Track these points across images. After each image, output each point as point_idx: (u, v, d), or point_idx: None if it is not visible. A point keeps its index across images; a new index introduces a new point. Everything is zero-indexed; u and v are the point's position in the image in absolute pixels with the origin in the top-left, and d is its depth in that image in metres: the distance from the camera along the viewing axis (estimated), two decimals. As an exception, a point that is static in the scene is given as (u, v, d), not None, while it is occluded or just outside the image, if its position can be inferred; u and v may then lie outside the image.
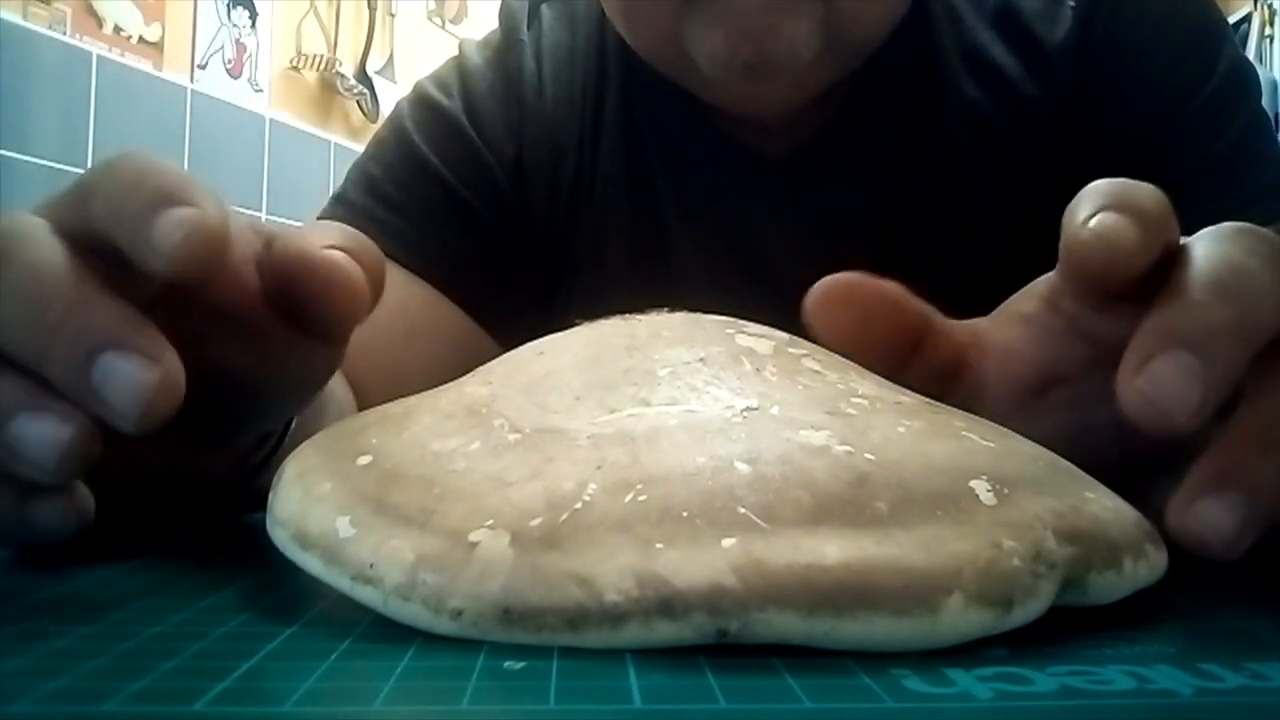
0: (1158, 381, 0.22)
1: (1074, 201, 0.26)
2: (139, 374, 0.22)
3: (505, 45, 0.60)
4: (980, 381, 0.31)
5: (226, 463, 0.32)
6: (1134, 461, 0.29)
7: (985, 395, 0.31)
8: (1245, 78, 0.54)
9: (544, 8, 0.61)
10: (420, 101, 0.60)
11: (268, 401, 0.31)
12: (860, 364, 0.30)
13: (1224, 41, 0.54)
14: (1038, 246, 0.33)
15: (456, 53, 0.63)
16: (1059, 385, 0.30)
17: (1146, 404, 0.22)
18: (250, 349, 0.29)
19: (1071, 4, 0.54)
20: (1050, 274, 0.30)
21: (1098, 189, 0.26)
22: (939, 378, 0.31)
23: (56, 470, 0.22)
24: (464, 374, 0.26)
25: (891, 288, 0.31)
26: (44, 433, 0.22)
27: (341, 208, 0.58)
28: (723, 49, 0.46)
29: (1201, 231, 0.25)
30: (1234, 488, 0.21)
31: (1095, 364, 0.29)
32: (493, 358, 0.27)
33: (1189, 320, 0.23)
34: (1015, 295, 0.32)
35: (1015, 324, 0.31)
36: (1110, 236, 0.24)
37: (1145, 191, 0.25)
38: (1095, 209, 0.25)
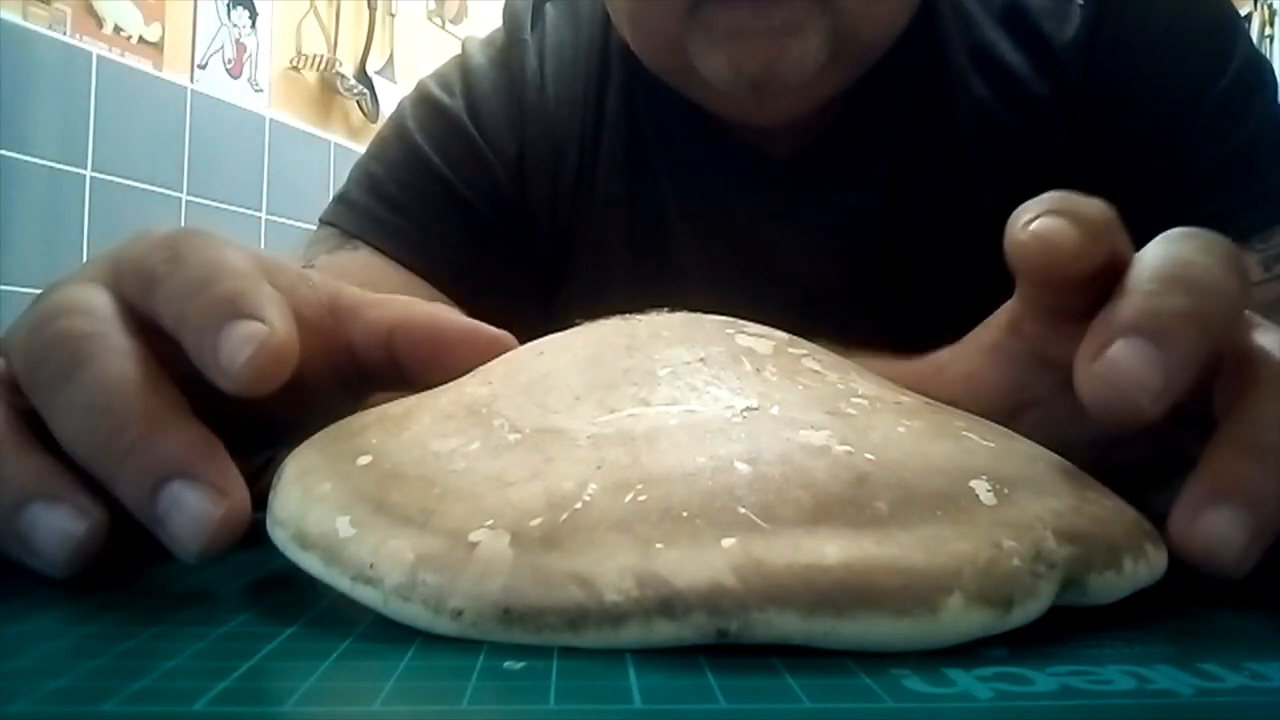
0: (1116, 366, 0.22)
1: (1016, 211, 0.26)
2: (206, 508, 0.21)
3: (508, 44, 0.60)
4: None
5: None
6: (1115, 478, 0.29)
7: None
8: (1260, 74, 0.53)
9: (548, 7, 0.61)
10: (423, 100, 0.60)
11: (280, 435, 0.31)
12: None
13: (1237, 37, 0.54)
14: None
15: (459, 51, 0.63)
16: (1029, 409, 0.30)
17: (1107, 389, 0.22)
18: (291, 398, 0.29)
19: (1080, 2, 0.53)
20: (1009, 302, 0.30)
21: (1040, 199, 0.25)
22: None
23: (63, 567, 0.22)
24: (466, 373, 0.26)
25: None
26: (55, 526, 0.22)
27: (344, 207, 0.58)
28: (727, 68, 0.46)
29: (1153, 240, 0.25)
30: (1234, 500, 0.21)
31: (1062, 387, 0.28)
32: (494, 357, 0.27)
33: (1143, 309, 0.22)
34: (975, 329, 0.32)
35: (978, 355, 0.31)
36: (1049, 237, 0.24)
37: (1088, 201, 0.25)
38: (1035, 215, 0.25)
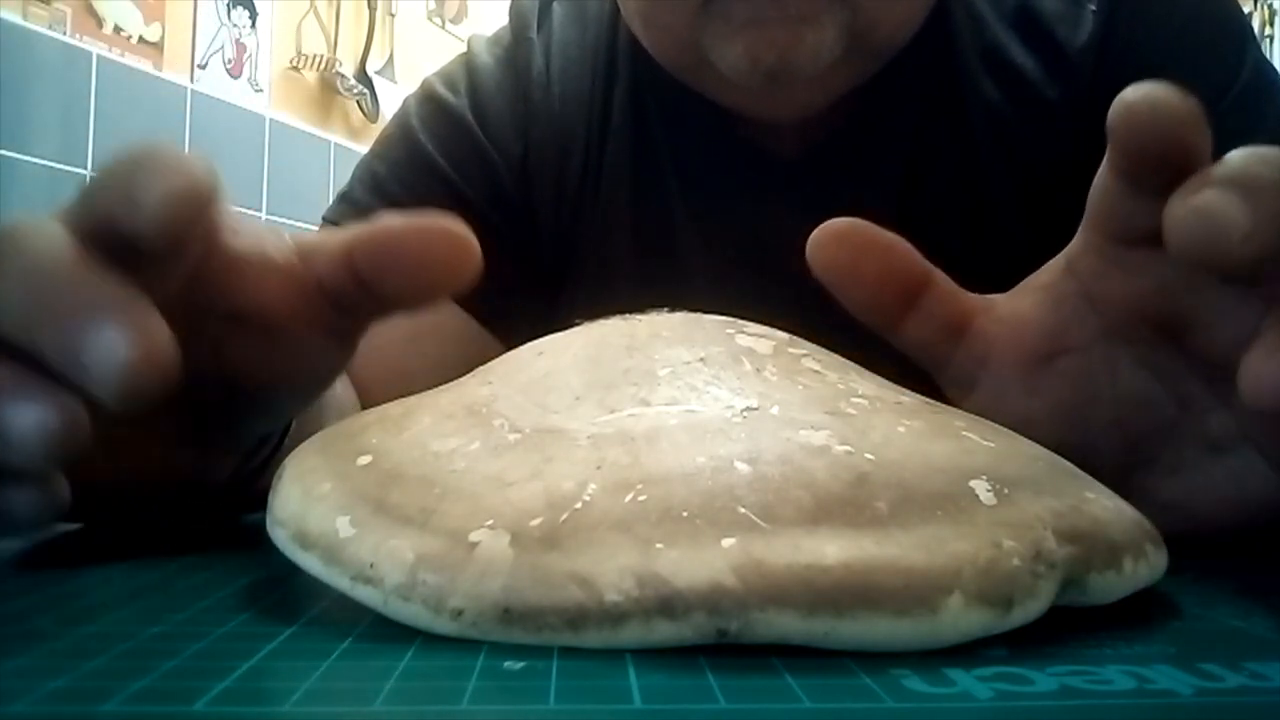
0: (1211, 204, 0.22)
1: (1123, 92, 0.26)
2: (124, 346, 0.21)
3: (514, 43, 0.60)
4: (987, 345, 0.31)
5: (228, 466, 0.32)
6: (1131, 444, 0.29)
7: (990, 359, 0.31)
8: (1269, 82, 0.53)
9: (555, 6, 0.61)
10: (427, 99, 0.60)
11: (274, 400, 0.31)
12: (855, 305, 0.31)
13: (1247, 45, 0.54)
14: (1055, 249, 0.33)
15: (465, 50, 0.62)
16: (1066, 355, 0.30)
17: (1200, 222, 0.22)
18: (265, 349, 0.29)
19: (1093, 7, 0.53)
20: (1070, 244, 0.31)
21: (1145, 84, 0.26)
22: (941, 336, 0.32)
23: (43, 456, 0.22)
24: (467, 374, 0.26)
25: (889, 235, 0.31)
26: (29, 418, 0.22)
27: (347, 206, 0.58)
28: (744, 58, 0.46)
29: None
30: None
31: (1104, 334, 0.30)
32: (495, 358, 0.27)
33: (1238, 167, 0.23)
34: (1032, 275, 0.33)
35: (1030, 293, 0.32)
36: (1157, 101, 0.25)
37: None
38: (1144, 91, 0.26)
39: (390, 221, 0.29)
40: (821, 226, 0.31)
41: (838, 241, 0.31)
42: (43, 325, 0.22)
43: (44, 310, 0.22)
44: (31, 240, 0.23)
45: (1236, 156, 0.24)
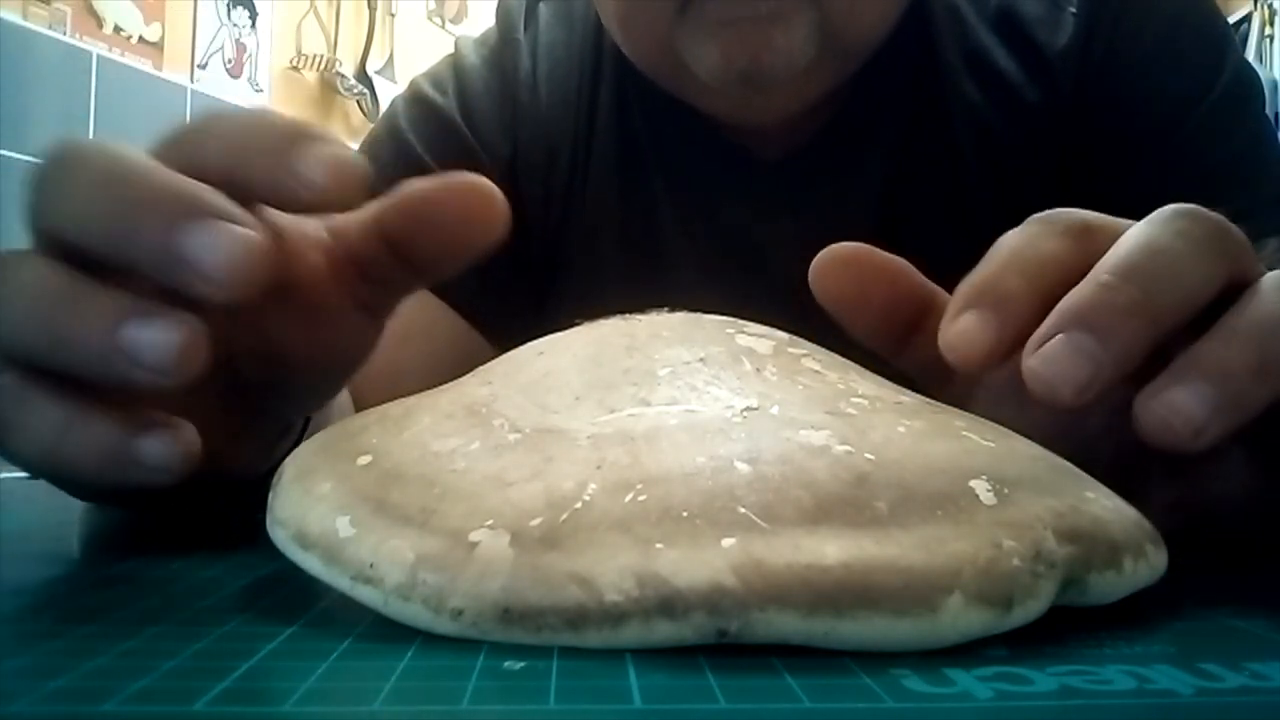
0: (1049, 360, 0.23)
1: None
2: (233, 235, 0.21)
3: (501, 44, 0.60)
4: None
5: (253, 455, 0.32)
6: (1125, 452, 0.29)
7: (985, 377, 0.31)
8: (1249, 87, 0.54)
9: (541, 6, 0.61)
10: (415, 99, 0.60)
11: (311, 381, 0.32)
12: (861, 332, 0.31)
13: (1228, 49, 0.54)
14: None
15: (453, 50, 0.63)
16: (983, 389, 0.31)
17: (1035, 380, 0.23)
18: (304, 326, 0.30)
19: (1073, 10, 0.53)
20: None
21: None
22: (942, 358, 0.32)
23: (175, 371, 0.22)
24: (458, 375, 0.26)
25: (894, 260, 0.31)
26: (156, 336, 0.22)
27: None
28: (718, 59, 0.46)
29: (1148, 216, 0.26)
30: (1202, 376, 0.22)
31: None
32: (485, 358, 0.27)
33: (1090, 300, 0.23)
34: None
35: None
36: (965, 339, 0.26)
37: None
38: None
39: (416, 184, 0.29)
40: (825, 252, 0.31)
41: (842, 268, 0.31)
42: (138, 226, 0.22)
43: (136, 210, 0.22)
44: (105, 152, 0.23)
45: (1106, 268, 0.24)
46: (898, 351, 0.32)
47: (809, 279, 0.31)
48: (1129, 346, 0.23)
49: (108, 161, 0.23)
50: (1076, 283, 0.25)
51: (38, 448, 0.24)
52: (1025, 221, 0.28)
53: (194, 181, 0.23)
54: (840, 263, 0.31)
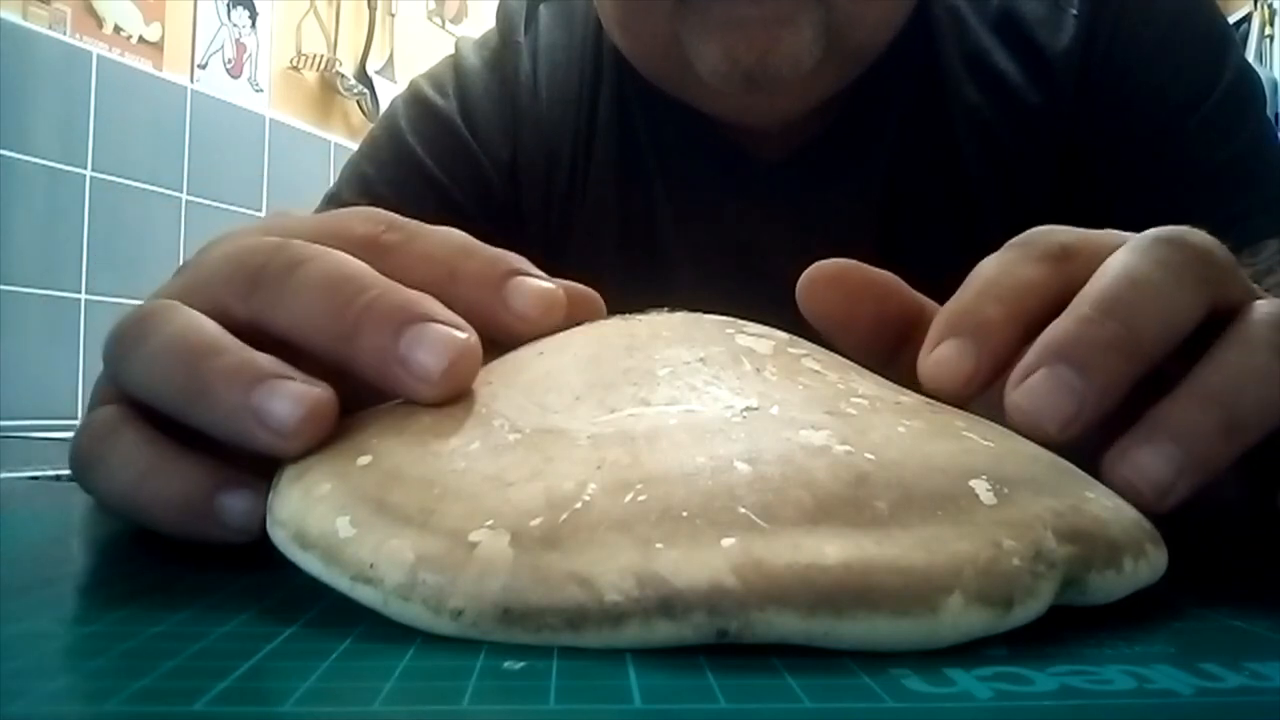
0: (1033, 395, 0.23)
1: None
2: (451, 334, 0.22)
3: (502, 46, 0.60)
4: None
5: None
6: None
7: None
8: (1250, 89, 0.53)
9: (542, 8, 0.61)
10: (415, 101, 0.60)
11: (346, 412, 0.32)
12: (849, 349, 0.30)
13: (1229, 51, 0.54)
14: None
15: (453, 51, 0.62)
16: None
17: (1019, 414, 0.23)
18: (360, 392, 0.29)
19: (1074, 12, 0.53)
20: None
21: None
22: None
23: (295, 433, 0.22)
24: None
25: (882, 276, 0.31)
26: (288, 393, 0.22)
27: (334, 206, 0.58)
28: (722, 59, 0.46)
29: (1129, 242, 0.26)
30: (1169, 437, 0.22)
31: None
32: (487, 358, 0.27)
33: (1071, 335, 0.23)
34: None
35: None
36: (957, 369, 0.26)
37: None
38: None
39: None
40: (811, 269, 0.30)
41: (830, 286, 0.30)
42: (363, 325, 0.22)
43: (363, 307, 0.22)
44: (320, 254, 0.24)
45: (1087, 302, 0.24)
46: (887, 364, 0.32)
47: (796, 295, 0.30)
48: (1112, 381, 0.23)
49: (334, 262, 0.24)
50: (1056, 308, 0.25)
51: (119, 489, 0.24)
52: (1003, 246, 0.28)
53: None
54: (826, 281, 0.30)
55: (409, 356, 0.22)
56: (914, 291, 0.31)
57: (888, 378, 0.31)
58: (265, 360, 0.23)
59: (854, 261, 0.31)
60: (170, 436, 0.24)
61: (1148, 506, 0.22)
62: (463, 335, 0.22)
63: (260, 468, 0.23)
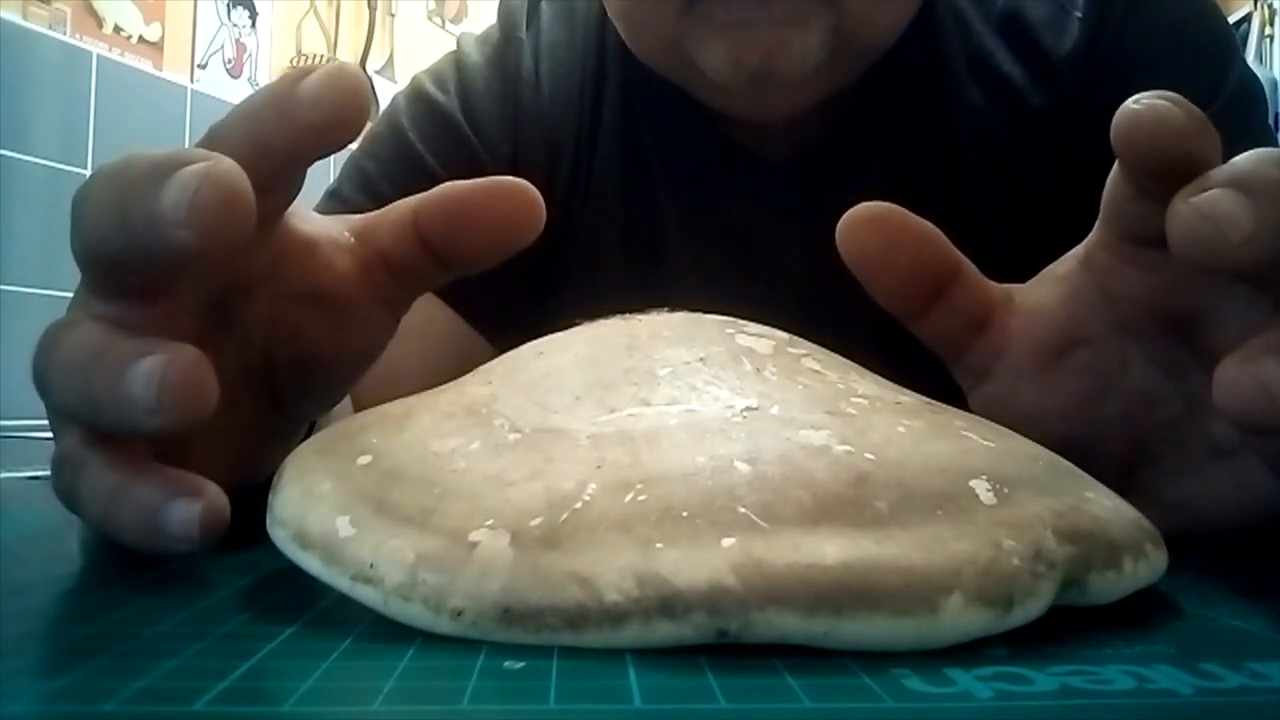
0: (1211, 205, 0.22)
1: (1128, 101, 0.27)
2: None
3: (503, 43, 0.60)
4: (1004, 338, 0.31)
5: (280, 458, 0.33)
6: (1138, 441, 0.29)
7: (1006, 352, 0.31)
8: (1253, 94, 0.53)
9: (543, 5, 0.61)
10: (417, 97, 0.60)
11: (336, 379, 0.33)
12: (884, 293, 0.30)
13: (1232, 57, 0.54)
14: (1040, 256, 0.33)
15: (455, 48, 0.62)
16: (1079, 348, 0.30)
17: (1201, 220, 0.22)
18: (336, 326, 0.30)
19: (1079, 14, 0.53)
20: (1088, 236, 0.31)
21: (1149, 92, 0.27)
22: (965, 328, 0.31)
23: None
24: (456, 373, 0.26)
25: (922, 223, 0.31)
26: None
27: (336, 203, 0.58)
28: (728, 60, 0.46)
29: None
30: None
31: (1117, 328, 0.30)
32: (485, 358, 0.27)
33: (1237, 170, 0.23)
34: (1052, 264, 0.32)
35: (1047, 284, 0.32)
36: (1162, 111, 0.26)
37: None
38: (1147, 99, 0.26)
39: (458, 185, 0.30)
40: (854, 210, 0.30)
41: (871, 226, 0.30)
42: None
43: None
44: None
45: (1242, 158, 0.24)
46: (918, 316, 0.31)
47: (836, 236, 0.30)
48: (1278, 215, 0.22)
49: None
50: None
51: (94, 520, 0.24)
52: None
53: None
54: (868, 221, 0.30)
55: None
56: (952, 246, 0.31)
57: (918, 332, 0.31)
58: (128, 345, 0.22)
59: (897, 206, 0.30)
60: (140, 451, 0.24)
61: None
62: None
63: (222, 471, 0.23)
